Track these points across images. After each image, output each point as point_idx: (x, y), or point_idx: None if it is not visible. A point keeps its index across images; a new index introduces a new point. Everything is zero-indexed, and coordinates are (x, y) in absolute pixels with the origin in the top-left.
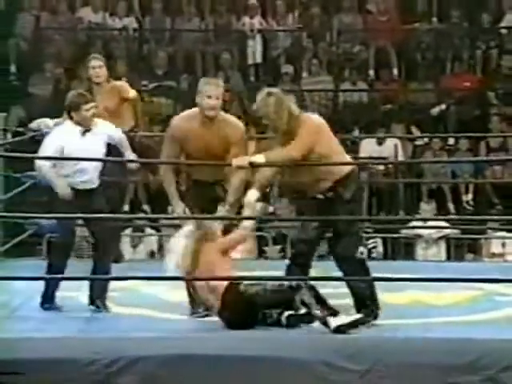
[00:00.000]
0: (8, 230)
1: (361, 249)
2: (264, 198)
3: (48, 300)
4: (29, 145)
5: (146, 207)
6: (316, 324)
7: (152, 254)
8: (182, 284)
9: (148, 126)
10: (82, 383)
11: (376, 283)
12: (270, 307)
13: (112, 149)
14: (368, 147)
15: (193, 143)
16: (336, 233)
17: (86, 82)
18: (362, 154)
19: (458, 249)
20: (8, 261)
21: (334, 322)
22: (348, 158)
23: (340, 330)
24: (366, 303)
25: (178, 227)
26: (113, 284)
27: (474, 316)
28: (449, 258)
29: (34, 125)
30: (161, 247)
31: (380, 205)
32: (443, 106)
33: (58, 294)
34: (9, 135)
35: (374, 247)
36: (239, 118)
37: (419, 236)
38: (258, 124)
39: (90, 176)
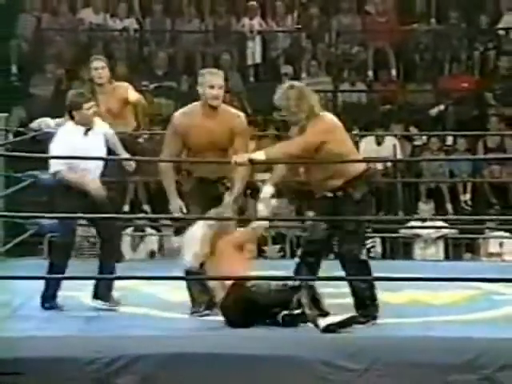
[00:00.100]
0: (9, 230)
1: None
2: (278, 194)
3: (48, 299)
4: (30, 145)
5: (146, 207)
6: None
7: (152, 254)
8: (183, 284)
9: (149, 126)
10: (83, 382)
11: (375, 283)
12: (271, 307)
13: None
14: (367, 147)
15: (196, 136)
16: (343, 233)
17: (88, 82)
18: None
19: (456, 248)
20: (9, 260)
21: (323, 321)
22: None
23: (329, 329)
24: (366, 303)
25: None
26: (114, 284)
27: (471, 315)
28: (447, 258)
29: (34, 124)
30: (161, 247)
31: (379, 204)
32: (441, 107)
33: (59, 293)
34: (10, 135)
35: (373, 247)
36: None
37: (418, 236)
38: (258, 124)
39: (92, 175)
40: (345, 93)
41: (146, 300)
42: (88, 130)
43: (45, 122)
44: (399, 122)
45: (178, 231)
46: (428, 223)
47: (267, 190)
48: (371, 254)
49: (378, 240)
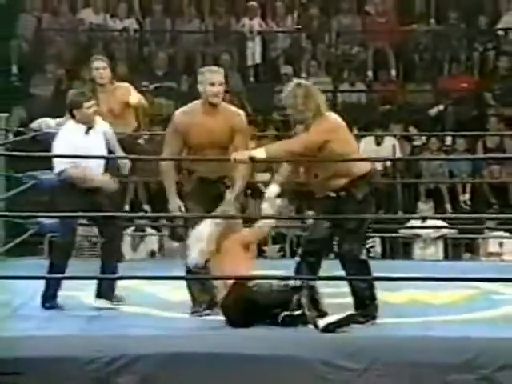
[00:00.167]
0: (9, 230)
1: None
2: (284, 193)
3: (49, 299)
4: (30, 145)
5: (146, 207)
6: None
7: (152, 254)
8: (183, 283)
9: (149, 127)
10: (83, 382)
11: (374, 282)
12: (272, 307)
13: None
14: (366, 147)
15: (196, 134)
16: (344, 232)
17: (89, 82)
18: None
19: (456, 248)
20: (10, 260)
21: (322, 321)
22: (365, 162)
23: (328, 329)
24: (366, 303)
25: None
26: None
27: (471, 315)
28: (446, 258)
29: (35, 125)
30: (161, 247)
31: (378, 204)
32: (441, 107)
33: (60, 293)
34: (10, 135)
35: (373, 246)
36: None
37: (417, 235)
38: (257, 124)
39: (94, 173)
40: (344, 93)
41: (147, 300)
42: (89, 128)
43: (45, 122)
44: (399, 122)
45: (174, 235)
46: (428, 222)
47: (272, 190)
48: (371, 254)
49: (378, 240)
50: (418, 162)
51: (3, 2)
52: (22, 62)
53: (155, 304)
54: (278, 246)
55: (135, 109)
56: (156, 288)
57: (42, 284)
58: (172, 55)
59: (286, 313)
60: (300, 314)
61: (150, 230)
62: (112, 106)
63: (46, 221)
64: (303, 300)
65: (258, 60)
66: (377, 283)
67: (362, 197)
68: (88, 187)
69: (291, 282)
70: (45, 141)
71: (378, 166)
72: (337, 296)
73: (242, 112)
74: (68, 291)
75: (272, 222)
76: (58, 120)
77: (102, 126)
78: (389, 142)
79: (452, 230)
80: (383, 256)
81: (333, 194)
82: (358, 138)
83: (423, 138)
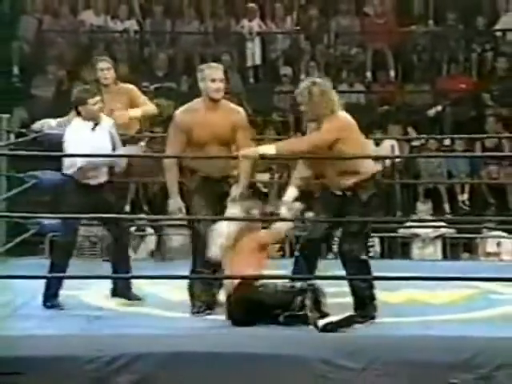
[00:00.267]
0: (10, 230)
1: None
2: (301, 196)
3: (50, 299)
4: (31, 146)
5: (146, 207)
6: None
7: (153, 254)
8: (183, 283)
9: (149, 128)
10: (84, 381)
11: (374, 282)
12: (276, 308)
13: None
14: None
15: (198, 130)
16: (345, 232)
17: (93, 83)
18: None
19: (454, 248)
20: (10, 260)
21: (321, 322)
22: (373, 162)
23: (326, 328)
24: (365, 303)
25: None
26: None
27: (469, 314)
28: (445, 257)
29: (36, 125)
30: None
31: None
32: (439, 108)
33: (60, 292)
34: (12, 136)
35: (372, 246)
36: None
37: (416, 235)
38: (257, 124)
39: (100, 170)
40: (343, 94)
41: (147, 299)
42: (95, 125)
43: (47, 123)
44: (397, 122)
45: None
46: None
47: (290, 194)
48: (370, 254)
49: (377, 240)
50: (417, 162)
51: (5, 4)
52: (24, 63)
53: (155, 304)
54: (277, 246)
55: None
56: (156, 288)
57: (42, 283)
58: (172, 56)
59: (287, 313)
60: (301, 314)
61: (149, 230)
62: (115, 107)
63: (47, 221)
64: (307, 302)
65: (258, 61)
66: (376, 283)
67: (366, 198)
68: (92, 183)
69: (297, 284)
70: (45, 142)
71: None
72: (337, 296)
73: (241, 109)
74: (68, 291)
75: (289, 224)
76: (58, 120)
77: (106, 122)
78: (387, 142)
79: (450, 230)
80: (382, 256)
81: (339, 193)
82: None
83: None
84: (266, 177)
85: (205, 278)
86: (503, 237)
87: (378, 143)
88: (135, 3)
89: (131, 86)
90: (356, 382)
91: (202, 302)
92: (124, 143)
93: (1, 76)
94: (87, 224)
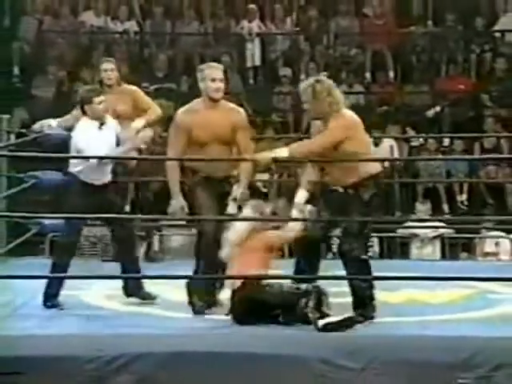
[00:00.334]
0: (11, 230)
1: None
2: (278, 195)
3: (50, 298)
4: (31, 146)
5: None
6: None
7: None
8: (183, 283)
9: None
10: (84, 380)
11: (373, 282)
12: (280, 308)
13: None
14: None
15: (199, 129)
16: (346, 232)
17: (97, 83)
18: None
19: (453, 248)
20: (11, 260)
21: (321, 322)
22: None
23: (326, 328)
24: (365, 303)
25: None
26: (115, 283)
27: (467, 314)
28: (443, 257)
29: (36, 126)
30: (161, 247)
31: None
32: (438, 108)
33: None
34: (12, 136)
35: (371, 246)
36: None
37: (415, 235)
38: (256, 125)
39: (105, 168)
40: (343, 94)
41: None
42: (102, 124)
43: (48, 123)
44: (396, 123)
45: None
46: (425, 221)
47: (301, 196)
48: (369, 254)
49: (376, 240)
50: (416, 162)
51: (5, 4)
52: (24, 63)
53: (156, 303)
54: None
55: (142, 111)
56: (157, 288)
57: (42, 283)
58: (172, 57)
59: (289, 313)
60: (303, 314)
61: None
62: (118, 108)
63: (47, 221)
64: (310, 303)
65: (258, 62)
66: (375, 283)
67: (368, 198)
68: (96, 183)
69: (302, 286)
70: (45, 142)
71: None
72: (337, 296)
73: (241, 110)
74: (68, 290)
75: (299, 226)
76: (59, 119)
77: (112, 122)
78: (386, 142)
79: (449, 230)
80: (381, 256)
81: (341, 190)
82: None
83: (421, 138)
84: (265, 177)
85: (205, 278)
86: (501, 237)
87: (377, 143)
88: (135, 4)
89: (134, 88)
90: (355, 381)
91: (204, 302)
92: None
93: (1, 76)
94: (91, 224)
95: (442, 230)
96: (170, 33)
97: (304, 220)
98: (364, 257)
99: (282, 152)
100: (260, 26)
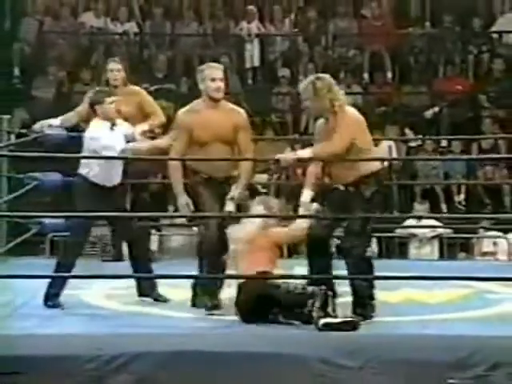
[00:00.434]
0: (11, 230)
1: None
2: (277, 194)
3: (51, 298)
4: (32, 146)
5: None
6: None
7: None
8: (183, 282)
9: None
10: (83, 380)
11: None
12: (286, 306)
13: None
14: None
15: (200, 128)
16: (348, 229)
17: (103, 84)
18: None
19: (451, 248)
20: (11, 259)
21: (322, 321)
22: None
23: (326, 328)
24: (365, 302)
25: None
26: (115, 283)
27: (465, 313)
28: (441, 257)
29: (37, 126)
30: (161, 247)
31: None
32: (436, 109)
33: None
34: (12, 137)
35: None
36: None
37: (413, 235)
38: (256, 126)
39: (115, 170)
40: None
41: (147, 299)
42: (113, 125)
43: (47, 123)
44: (394, 123)
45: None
46: (423, 222)
47: (306, 195)
48: (368, 254)
49: (374, 239)
50: (414, 163)
51: (6, 6)
52: (24, 64)
53: (155, 303)
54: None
55: (145, 115)
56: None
57: (42, 283)
58: (172, 58)
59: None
60: (306, 314)
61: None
62: (123, 108)
63: (47, 221)
64: (316, 304)
65: (257, 63)
66: (374, 282)
67: (369, 195)
68: (107, 185)
69: (309, 288)
70: (46, 142)
71: None
72: (338, 295)
73: (241, 110)
74: (68, 290)
75: (306, 224)
76: (61, 118)
77: (123, 125)
78: (385, 143)
79: (447, 230)
80: (379, 255)
81: (342, 188)
82: None
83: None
84: (264, 177)
85: (206, 277)
86: (499, 237)
87: (376, 144)
88: (135, 5)
89: (141, 90)
90: (353, 380)
91: (216, 301)
92: None
93: (2, 77)
94: (100, 225)
95: (440, 230)
96: (169, 34)
97: (311, 217)
98: (366, 255)
99: (305, 153)
100: (259, 27)
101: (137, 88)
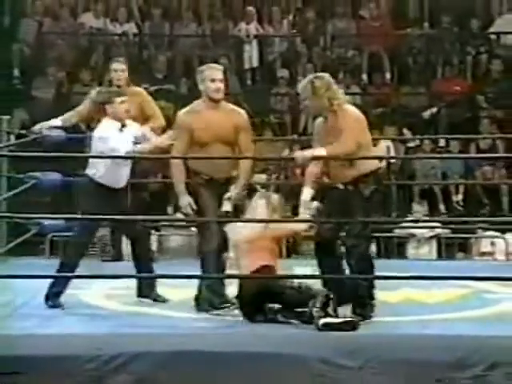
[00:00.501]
0: (11, 230)
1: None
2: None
3: (52, 298)
4: (31, 147)
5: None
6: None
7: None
8: (182, 282)
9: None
10: (83, 379)
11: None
12: (286, 304)
13: None
14: None
15: (201, 129)
16: (349, 228)
17: (105, 84)
18: None
19: (449, 248)
20: (11, 259)
21: (322, 320)
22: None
23: (325, 328)
24: (365, 302)
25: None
26: (114, 283)
27: (463, 313)
28: (440, 257)
29: (36, 127)
30: (160, 247)
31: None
32: (434, 109)
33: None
34: (12, 137)
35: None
36: None
37: (412, 235)
38: (254, 126)
39: (123, 171)
40: None
41: (146, 299)
42: (123, 126)
43: (47, 125)
44: (393, 124)
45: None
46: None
47: (307, 193)
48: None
49: (373, 240)
50: (412, 163)
51: (5, 7)
52: (24, 65)
53: (155, 303)
54: None
55: (145, 117)
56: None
57: (42, 283)
58: (171, 58)
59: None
60: (307, 314)
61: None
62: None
63: (47, 221)
64: (317, 304)
65: (255, 63)
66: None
67: (368, 193)
68: (115, 187)
69: (313, 288)
70: (44, 143)
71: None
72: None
73: (242, 111)
74: (68, 290)
75: (305, 224)
76: (61, 117)
77: (133, 126)
78: (383, 143)
79: (445, 230)
80: (378, 255)
81: (341, 186)
82: None
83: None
84: (263, 177)
85: (206, 277)
86: (497, 237)
87: (374, 144)
88: (134, 6)
89: (142, 91)
90: (353, 380)
91: (223, 298)
92: None
93: (1, 78)
94: (105, 225)
95: (438, 230)
96: (168, 35)
97: (311, 221)
98: (368, 253)
99: (321, 152)
100: (257, 28)
101: (139, 89)
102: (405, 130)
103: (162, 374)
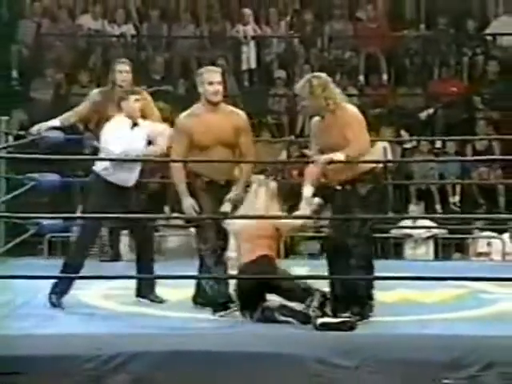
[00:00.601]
0: (9, 230)
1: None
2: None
3: (55, 297)
4: (30, 148)
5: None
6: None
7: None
8: (181, 283)
9: None
10: (82, 380)
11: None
12: (283, 295)
13: None
14: None
15: (201, 132)
16: (348, 230)
17: (109, 84)
18: None
19: (446, 248)
20: (10, 260)
21: (319, 320)
22: (371, 158)
23: (323, 328)
24: (364, 302)
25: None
26: (113, 283)
27: (460, 313)
28: (437, 257)
29: (35, 128)
30: (158, 248)
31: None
32: (431, 111)
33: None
34: (10, 138)
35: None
36: None
37: (409, 236)
38: (252, 127)
39: (132, 171)
40: None
41: (145, 299)
42: (135, 124)
43: (46, 126)
44: (390, 125)
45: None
46: (418, 222)
47: (308, 190)
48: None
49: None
50: (409, 164)
51: (4, 8)
52: (22, 66)
53: (153, 303)
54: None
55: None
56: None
57: (41, 283)
58: (169, 60)
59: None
60: (304, 313)
61: None
62: None
63: (46, 221)
64: (314, 303)
65: (253, 64)
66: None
67: (365, 192)
68: (124, 185)
69: (313, 287)
70: (43, 144)
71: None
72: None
73: (241, 112)
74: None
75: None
76: (60, 117)
77: (145, 125)
78: (380, 144)
79: (442, 231)
80: (375, 256)
81: (338, 187)
82: None
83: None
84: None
85: (206, 277)
86: (493, 237)
87: (371, 145)
88: (132, 8)
89: (144, 92)
90: (350, 380)
91: (228, 298)
92: None
93: (0, 79)
94: (113, 225)
95: (435, 231)
96: (166, 36)
97: (312, 218)
98: (368, 253)
99: (340, 156)
100: (255, 29)
101: (140, 89)
102: (402, 131)
103: (161, 373)
